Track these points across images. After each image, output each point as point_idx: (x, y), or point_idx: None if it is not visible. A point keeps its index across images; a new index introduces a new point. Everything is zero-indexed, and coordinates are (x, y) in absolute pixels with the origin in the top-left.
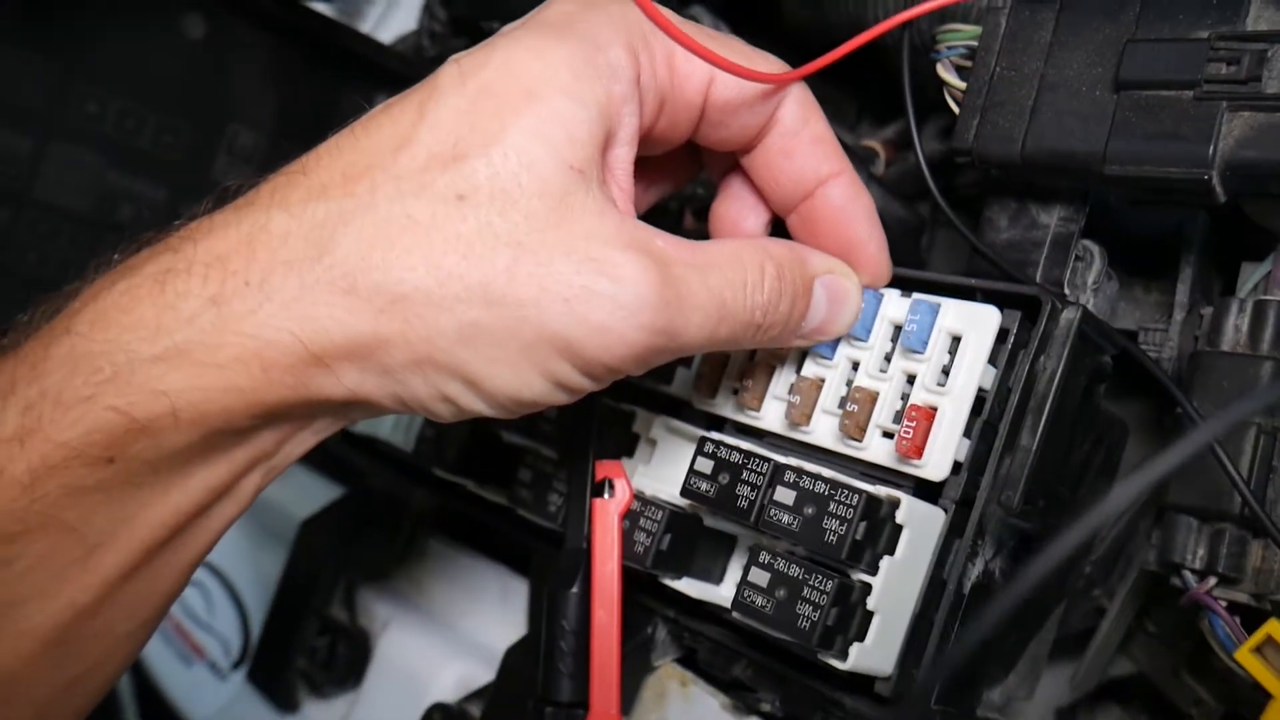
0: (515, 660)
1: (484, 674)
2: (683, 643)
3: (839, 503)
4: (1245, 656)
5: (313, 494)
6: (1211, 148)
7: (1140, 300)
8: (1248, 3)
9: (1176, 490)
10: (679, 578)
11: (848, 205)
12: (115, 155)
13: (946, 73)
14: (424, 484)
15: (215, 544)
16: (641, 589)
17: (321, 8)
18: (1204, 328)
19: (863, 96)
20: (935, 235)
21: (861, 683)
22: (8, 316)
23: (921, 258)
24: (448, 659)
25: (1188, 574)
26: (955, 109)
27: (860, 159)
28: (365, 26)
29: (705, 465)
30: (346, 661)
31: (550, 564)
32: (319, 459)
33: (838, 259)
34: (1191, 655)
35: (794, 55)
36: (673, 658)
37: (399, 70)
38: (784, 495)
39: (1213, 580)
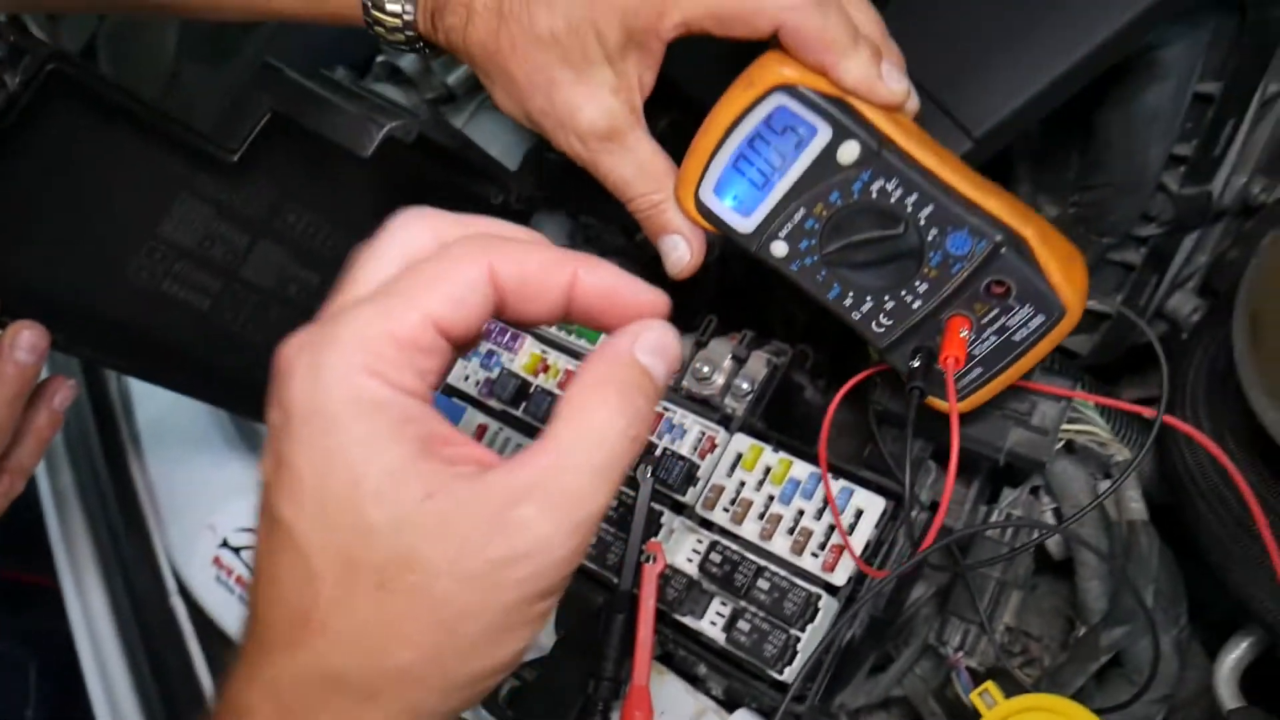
0: (564, 643)
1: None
2: (666, 649)
3: (795, 591)
4: (975, 699)
5: None
6: None
7: None
8: None
9: (953, 604)
10: (685, 616)
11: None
12: (297, 252)
13: None
14: None
15: None
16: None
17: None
18: None
19: None
20: None
21: (779, 684)
22: (208, 356)
23: None
24: None
25: (949, 648)
26: None
27: None
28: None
29: (716, 558)
30: None
31: (591, 596)
32: None
33: (631, 326)
34: (937, 690)
35: None
36: (655, 655)
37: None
38: (763, 583)
39: (962, 654)
